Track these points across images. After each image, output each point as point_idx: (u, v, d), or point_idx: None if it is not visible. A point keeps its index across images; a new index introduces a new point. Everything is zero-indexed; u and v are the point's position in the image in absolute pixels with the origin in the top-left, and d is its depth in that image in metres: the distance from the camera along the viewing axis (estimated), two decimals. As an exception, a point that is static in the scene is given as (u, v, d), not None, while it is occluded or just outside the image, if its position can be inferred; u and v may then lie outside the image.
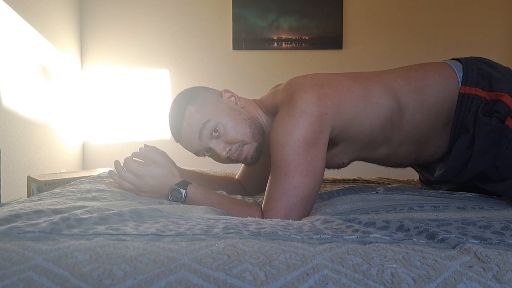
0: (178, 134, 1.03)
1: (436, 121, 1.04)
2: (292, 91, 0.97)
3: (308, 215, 0.91)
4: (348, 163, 1.11)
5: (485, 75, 1.01)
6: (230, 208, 0.92)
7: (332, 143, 1.00)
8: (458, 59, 1.08)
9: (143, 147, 1.03)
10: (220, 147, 0.99)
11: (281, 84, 1.11)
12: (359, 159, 1.12)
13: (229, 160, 1.03)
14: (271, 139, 0.94)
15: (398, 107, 1.01)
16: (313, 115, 0.92)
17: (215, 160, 1.06)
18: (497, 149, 0.95)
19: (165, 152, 1.06)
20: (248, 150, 1.02)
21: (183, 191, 0.93)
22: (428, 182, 1.24)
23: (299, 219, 0.86)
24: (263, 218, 0.86)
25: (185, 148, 1.07)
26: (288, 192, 0.89)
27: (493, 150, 0.95)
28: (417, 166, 1.22)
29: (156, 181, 0.94)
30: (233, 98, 1.05)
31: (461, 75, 1.03)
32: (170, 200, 0.94)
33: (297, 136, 0.90)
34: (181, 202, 0.94)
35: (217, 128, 0.98)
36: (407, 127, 1.03)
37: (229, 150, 1.00)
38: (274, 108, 1.03)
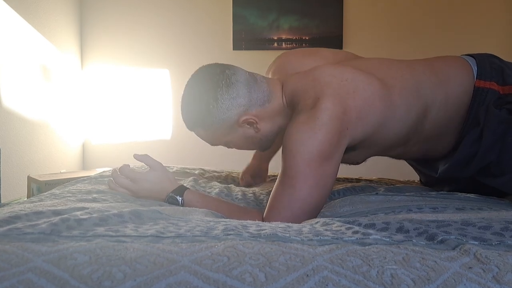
0: (190, 127, 1.04)
1: (455, 116, 1.02)
2: (319, 95, 0.90)
3: None
4: (362, 162, 1.10)
5: (498, 69, 1.01)
6: (229, 214, 0.90)
7: (351, 149, 0.97)
8: (470, 55, 1.08)
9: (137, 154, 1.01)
10: (230, 148, 1.07)
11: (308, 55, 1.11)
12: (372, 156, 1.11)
13: None
14: (284, 143, 0.90)
15: (425, 106, 0.99)
16: (334, 129, 0.87)
17: None
18: (502, 142, 0.94)
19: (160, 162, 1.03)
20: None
21: (180, 198, 0.92)
22: (429, 183, 1.24)
23: (310, 216, 0.86)
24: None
25: None
26: (293, 204, 0.86)
27: (499, 143, 0.94)
28: (419, 165, 1.21)
29: (152, 185, 0.93)
30: (251, 124, 0.98)
31: (476, 69, 1.02)
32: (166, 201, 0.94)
33: (312, 148, 0.86)
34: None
35: (228, 145, 1.03)
36: (429, 126, 1.01)
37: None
38: (295, 102, 0.97)
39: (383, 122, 0.94)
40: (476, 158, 0.97)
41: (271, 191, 1.16)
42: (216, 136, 0.99)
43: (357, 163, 1.10)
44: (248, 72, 1.02)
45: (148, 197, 0.95)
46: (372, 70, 1.00)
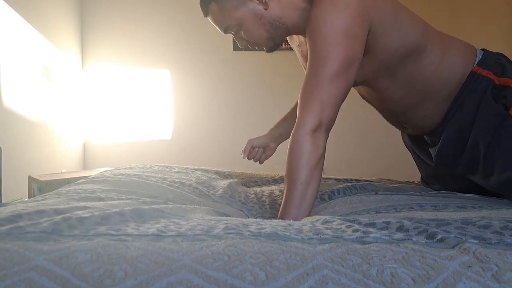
0: (205, 13, 1.08)
1: (443, 85, 1.06)
2: None
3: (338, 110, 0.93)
4: (357, 85, 1.13)
5: (501, 63, 1.05)
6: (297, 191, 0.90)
7: None
8: (483, 49, 1.11)
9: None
10: (239, 39, 1.10)
11: None
12: (364, 85, 1.13)
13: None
14: (310, 28, 0.94)
15: (423, 46, 1.03)
16: (357, 10, 0.92)
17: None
18: (493, 134, 0.97)
19: None
20: (264, 46, 1.10)
21: None
22: (428, 178, 1.25)
23: (334, 111, 0.90)
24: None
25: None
26: (326, 82, 0.90)
27: (490, 135, 0.97)
28: (414, 143, 1.24)
29: None
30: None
31: (480, 57, 1.06)
32: None
33: (339, 28, 0.90)
34: None
35: (237, 30, 1.06)
36: (416, 73, 1.05)
37: (246, 43, 1.10)
38: None
39: (390, 26, 0.99)
40: (467, 147, 1.00)
41: (272, 191, 1.16)
42: (227, 10, 1.03)
43: (355, 82, 1.09)
44: None
45: None
46: None
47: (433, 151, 1.13)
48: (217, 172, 1.48)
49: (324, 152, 0.93)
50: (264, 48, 1.12)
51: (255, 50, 1.37)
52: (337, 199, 0.99)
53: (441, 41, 1.06)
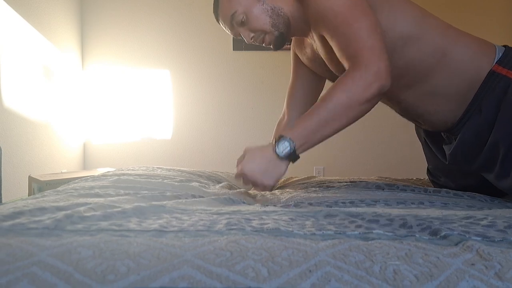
0: (217, 17, 1.15)
1: (450, 80, 1.04)
2: None
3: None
4: None
5: None
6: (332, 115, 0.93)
7: None
8: (505, 46, 1.09)
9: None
10: (245, 34, 1.12)
11: None
12: None
13: (256, 43, 1.15)
14: (312, 10, 0.98)
15: (416, 35, 1.03)
16: None
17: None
18: None
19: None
20: (270, 38, 1.11)
21: (287, 143, 0.92)
22: (438, 170, 1.23)
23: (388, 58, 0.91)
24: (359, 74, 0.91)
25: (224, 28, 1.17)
26: (369, 32, 0.92)
27: (511, 139, 0.95)
28: (428, 136, 1.23)
29: (256, 164, 0.94)
30: None
31: (500, 55, 1.03)
32: (283, 157, 0.92)
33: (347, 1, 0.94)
34: (292, 152, 0.92)
35: (243, 18, 1.08)
36: (414, 63, 1.04)
37: (252, 36, 1.12)
38: None
39: (379, 6, 1.00)
40: (487, 146, 0.98)
41: (273, 193, 1.16)
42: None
43: None
44: None
45: (264, 171, 0.94)
46: None
47: (447, 148, 1.11)
48: (218, 181, 1.46)
49: (374, 102, 0.93)
50: (271, 45, 1.12)
51: (262, 50, 1.39)
52: (343, 189, 0.99)
53: (445, 35, 1.04)
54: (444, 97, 1.06)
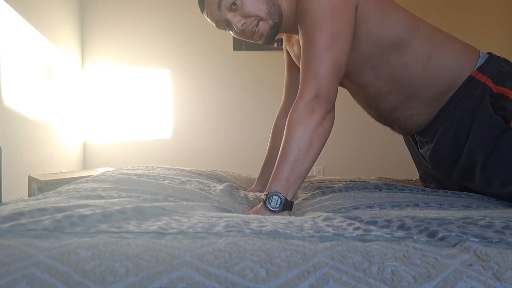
0: (202, 3, 1.06)
1: (430, 85, 1.04)
2: None
3: (339, 79, 0.94)
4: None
5: (503, 72, 1.02)
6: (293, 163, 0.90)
7: None
8: (489, 53, 1.09)
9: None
10: (236, 19, 1.04)
11: None
12: (349, 80, 1.12)
13: (244, 35, 1.07)
14: (299, 10, 0.96)
15: (407, 41, 1.03)
16: None
17: (233, 35, 1.10)
18: (493, 148, 0.95)
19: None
20: (264, 27, 1.05)
21: (275, 197, 0.88)
22: (426, 176, 1.25)
23: (330, 82, 0.90)
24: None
25: (208, 19, 1.09)
26: (316, 55, 0.91)
27: (489, 147, 0.95)
28: (408, 142, 1.24)
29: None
30: None
31: (482, 62, 1.04)
32: (279, 211, 0.88)
33: (325, 5, 0.92)
34: (285, 202, 0.88)
35: (236, 1, 1.02)
36: (400, 68, 1.04)
37: (244, 23, 1.04)
38: None
39: (375, 15, 1.00)
40: (464, 153, 0.99)
41: None
42: None
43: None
44: None
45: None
46: None
47: (424, 152, 1.12)
48: (218, 180, 1.47)
49: (328, 123, 0.91)
50: (262, 36, 1.07)
51: (262, 50, 1.37)
52: (340, 193, 0.99)
53: (432, 40, 1.05)
54: (421, 101, 1.07)
